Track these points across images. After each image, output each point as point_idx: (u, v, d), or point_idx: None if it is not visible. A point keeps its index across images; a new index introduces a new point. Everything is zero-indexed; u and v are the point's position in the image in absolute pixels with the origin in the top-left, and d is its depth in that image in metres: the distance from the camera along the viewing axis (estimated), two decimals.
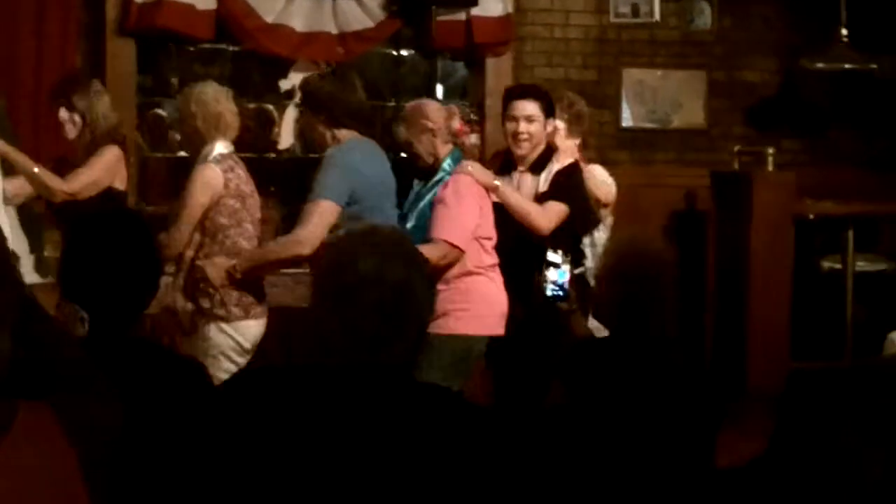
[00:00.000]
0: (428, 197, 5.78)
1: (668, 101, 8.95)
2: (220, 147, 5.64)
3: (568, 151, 6.20)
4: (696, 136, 9.04)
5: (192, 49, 8.23)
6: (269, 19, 8.04)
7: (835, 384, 2.62)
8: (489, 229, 5.79)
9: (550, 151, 5.99)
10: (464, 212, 5.68)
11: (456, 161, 5.80)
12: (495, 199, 5.84)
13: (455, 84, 8.80)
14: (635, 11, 8.83)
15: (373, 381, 2.52)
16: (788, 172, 8.25)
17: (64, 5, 7.85)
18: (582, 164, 6.24)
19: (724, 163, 8.61)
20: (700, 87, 9.01)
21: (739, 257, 8.06)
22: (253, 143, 7.90)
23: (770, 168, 8.14)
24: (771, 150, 8.18)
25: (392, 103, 8.60)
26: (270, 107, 8.35)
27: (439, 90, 8.40)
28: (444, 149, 5.82)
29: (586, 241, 6.17)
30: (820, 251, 8.59)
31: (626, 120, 8.92)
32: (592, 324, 4.70)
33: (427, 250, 5.52)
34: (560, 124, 6.19)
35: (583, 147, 6.51)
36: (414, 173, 5.97)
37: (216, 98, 5.71)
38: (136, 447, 2.70)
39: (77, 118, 5.96)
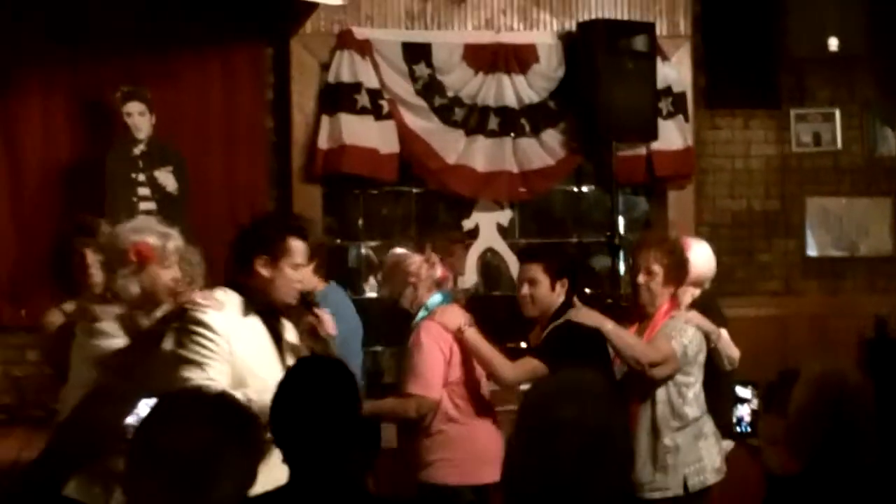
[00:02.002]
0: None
1: (854, 229, 8.85)
2: None
3: (661, 298, 5.93)
4: (885, 262, 8.90)
5: (376, 192, 8.41)
6: (452, 160, 8.19)
7: None
8: (462, 374, 5.72)
9: (563, 311, 5.74)
10: (423, 360, 5.62)
11: (433, 306, 5.75)
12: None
13: (637, 217, 8.82)
14: (817, 140, 8.79)
15: None
16: None
17: (253, 154, 8.13)
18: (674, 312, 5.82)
19: None
20: (886, 213, 8.90)
21: None
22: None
23: None
24: None
25: (575, 239, 8.64)
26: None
27: (621, 224, 8.39)
28: (428, 296, 5.80)
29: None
30: None
31: (812, 248, 8.83)
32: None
33: (399, 404, 5.58)
34: (658, 269, 5.94)
35: (676, 295, 5.92)
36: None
37: None
38: None
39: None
